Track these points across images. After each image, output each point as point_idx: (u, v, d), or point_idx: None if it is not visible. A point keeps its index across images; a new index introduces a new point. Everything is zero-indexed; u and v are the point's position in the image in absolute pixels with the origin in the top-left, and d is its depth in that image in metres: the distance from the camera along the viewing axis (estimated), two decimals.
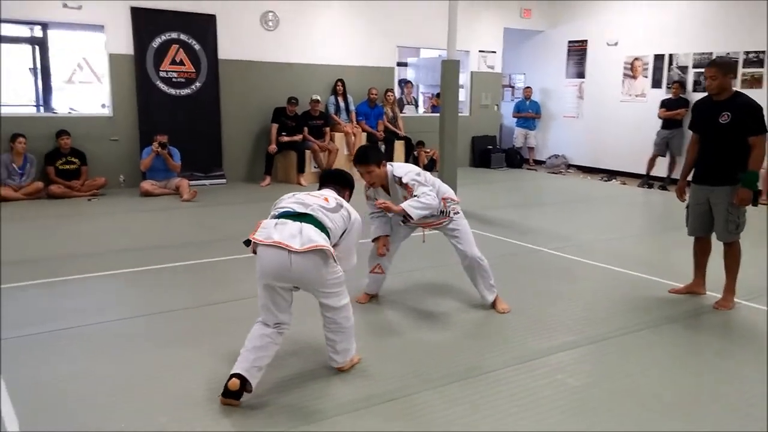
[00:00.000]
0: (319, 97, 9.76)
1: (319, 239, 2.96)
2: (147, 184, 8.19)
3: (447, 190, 4.26)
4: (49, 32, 9.07)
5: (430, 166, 11.26)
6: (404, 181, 3.93)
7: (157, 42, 8.69)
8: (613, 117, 11.50)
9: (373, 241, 4.25)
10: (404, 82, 12.40)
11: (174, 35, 8.81)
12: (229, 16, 9.19)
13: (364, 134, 10.36)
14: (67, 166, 8.03)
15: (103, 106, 8.95)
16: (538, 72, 12.97)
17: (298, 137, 9.57)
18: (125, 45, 8.49)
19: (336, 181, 3.51)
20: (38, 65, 9.10)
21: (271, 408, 2.93)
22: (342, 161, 10.04)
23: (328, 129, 9.91)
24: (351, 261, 3.30)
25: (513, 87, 13.71)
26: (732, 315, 4.30)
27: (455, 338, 3.84)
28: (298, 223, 3.00)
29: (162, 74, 8.77)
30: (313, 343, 3.57)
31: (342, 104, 10.31)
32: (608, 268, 5.36)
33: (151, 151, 8.23)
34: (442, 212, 4.16)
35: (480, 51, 12.11)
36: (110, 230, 6.53)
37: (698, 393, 3.20)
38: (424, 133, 11.10)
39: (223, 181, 9.39)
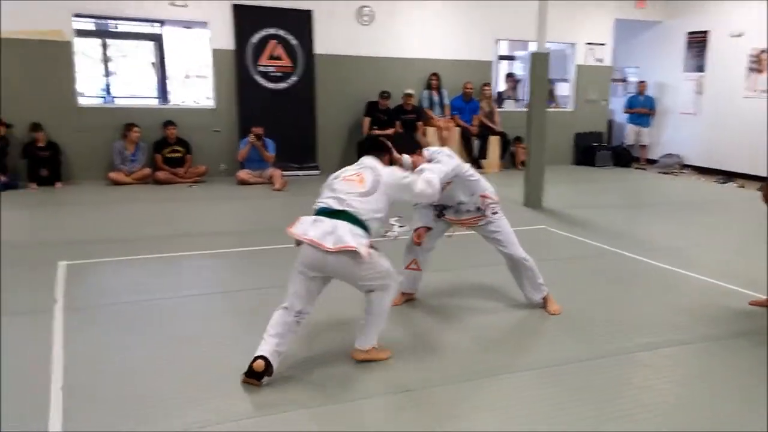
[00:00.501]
0: (412, 91, 9.79)
1: (349, 239, 2.99)
2: (243, 173, 8.64)
3: (486, 187, 4.06)
4: (166, 29, 9.85)
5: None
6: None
7: (256, 38, 9.12)
8: (736, 114, 10.56)
9: (415, 231, 4.06)
10: (508, 76, 12.15)
11: (272, 31, 9.20)
12: (325, 11, 9.45)
13: (458, 129, 10.27)
14: (173, 154, 8.65)
15: (208, 98, 9.54)
16: (653, 65, 12.18)
17: (389, 131, 9.65)
18: (227, 41, 8.98)
19: (372, 148, 3.46)
20: (158, 60, 9.91)
21: (292, 385, 3.05)
22: None
23: (420, 123, 9.93)
24: (424, 190, 3.29)
25: (625, 81, 12.98)
26: None
27: (480, 339, 3.72)
28: (333, 221, 3.05)
29: (260, 68, 9.19)
30: (338, 328, 3.64)
31: (436, 98, 10.28)
32: (691, 275, 4.95)
33: (247, 142, 8.66)
34: (478, 208, 3.98)
35: (587, 43, 11.57)
36: (207, 214, 6.97)
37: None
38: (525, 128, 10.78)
39: (317, 172, 9.68)
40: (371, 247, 3.17)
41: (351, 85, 9.80)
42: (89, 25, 10.42)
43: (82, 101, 8.69)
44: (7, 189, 7.56)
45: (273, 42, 9.23)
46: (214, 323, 3.85)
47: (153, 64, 10.36)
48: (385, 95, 9.61)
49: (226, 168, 9.17)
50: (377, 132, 9.60)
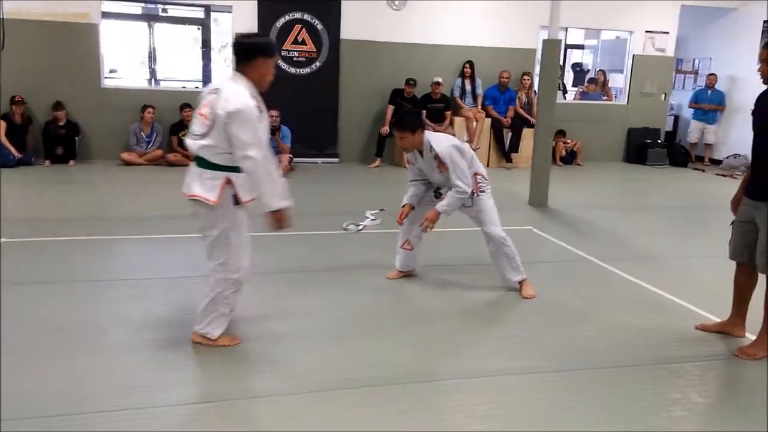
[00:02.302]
0: (440, 80, 9.37)
1: (196, 189, 2.97)
2: None
3: (479, 167, 4.11)
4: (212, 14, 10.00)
5: (569, 158, 10.29)
6: (441, 157, 3.87)
7: (280, 22, 9.03)
8: None
9: (402, 207, 4.19)
10: (574, 66, 11.48)
11: (298, 15, 9.08)
12: None
13: (488, 120, 9.75)
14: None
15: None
16: (725, 57, 11.04)
17: None
18: (249, 25, 8.96)
19: (244, 55, 3.00)
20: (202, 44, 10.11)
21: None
22: None
23: (448, 113, 9.50)
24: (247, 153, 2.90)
25: (696, 73, 11.84)
26: (752, 369, 3.24)
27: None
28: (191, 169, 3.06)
29: (284, 53, 9.10)
30: None
31: (468, 87, 9.80)
32: (654, 291, 4.37)
33: None
34: (473, 192, 3.99)
35: (647, 31, 10.64)
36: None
37: None
38: (569, 121, 10.13)
39: (336, 160, 9.51)
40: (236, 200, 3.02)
41: (378, 72, 9.52)
42: (137, 8, 10.80)
43: (107, 83, 8.95)
44: (20, 165, 7.91)
45: (298, 26, 9.11)
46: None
47: (200, 48, 10.50)
48: (410, 83, 9.26)
49: None
50: None
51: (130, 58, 11.11)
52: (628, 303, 4.15)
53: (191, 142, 2.99)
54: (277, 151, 8.72)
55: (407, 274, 4.40)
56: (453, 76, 9.76)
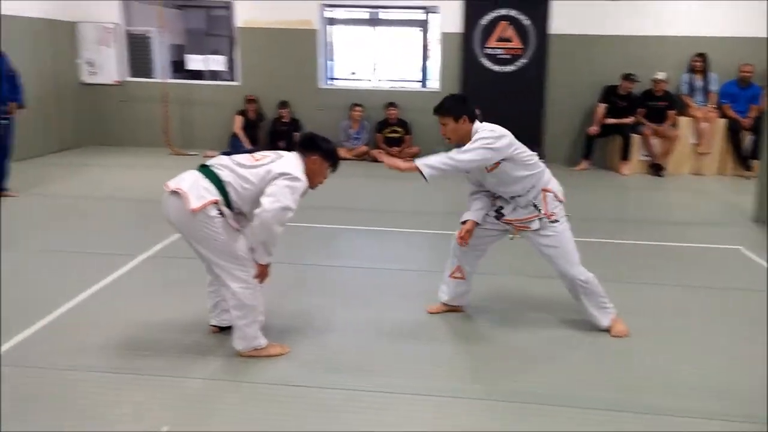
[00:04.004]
0: (664, 75, 8.38)
1: (184, 184, 2.90)
2: None
3: (551, 182, 3.40)
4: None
5: None
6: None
7: (485, 19, 8.86)
8: None
9: (462, 223, 3.51)
10: None
11: (503, 12, 8.82)
12: None
13: (723, 120, 8.45)
14: (392, 134, 9.05)
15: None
16: None
17: (628, 119, 8.48)
18: (456, 24, 8.96)
19: (301, 145, 3.17)
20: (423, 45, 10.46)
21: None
22: (685, 152, 8.49)
23: (671, 112, 8.46)
24: (263, 221, 2.88)
25: None
26: None
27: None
28: (192, 171, 3.02)
29: (487, 51, 8.93)
30: None
31: (699, 83, 8.59)
32: None
33: None
34: (534, 206, 3.35)
35: None
36: (397, 194, 7.07)
37: None
38: None
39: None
40: (237, 229, 3.00)
41: (589, 67, 8.84)
42: (364, 14, 11.49)
43: (321, 84, 9.63)
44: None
45: (504, 23, 8.85)
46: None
47: (422, 48, 10.83)
48: (631, 77, 8.42)
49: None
50: (612, 121, 8.54)
51: (354, 60, 11.85)
52: None
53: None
54: None
55: (454, 309, 3.74)
56: (679, 71, 8.65)
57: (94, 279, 4.05)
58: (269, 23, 9.19)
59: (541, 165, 3.42)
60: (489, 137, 3.22)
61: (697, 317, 3.78)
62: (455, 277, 3.63)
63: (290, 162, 3.01)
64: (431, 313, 3.72)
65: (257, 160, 3.01)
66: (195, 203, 2.84)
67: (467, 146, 3.25)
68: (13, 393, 2.71)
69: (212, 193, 2.89)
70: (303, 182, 2.96)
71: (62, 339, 3.26)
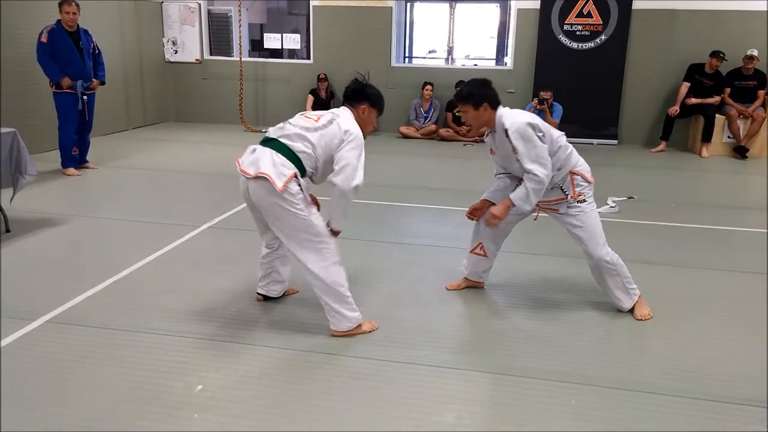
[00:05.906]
0: (755, 53, 7.85)
1: (264, 165, 2.86)
2: None
3: (579, 163, 3.33)
4: None
5: None
6: (509, 134, 3.14)
7: None
8: None
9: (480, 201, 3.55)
10: None
11: None
12: None
13: None
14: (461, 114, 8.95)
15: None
16: None
17: (713, 99, 8.01)
18: (532, 2, 8.72)
19: (352, 96, 3.14)
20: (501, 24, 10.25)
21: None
22: None
23: (761, 92, 7.92)
24: (346, 183, 2.91)
25: None
26: None
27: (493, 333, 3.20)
28: (263, 148, 2.96)
29: (566, 27, 8.64)
30: None
31: None
32: None
33: (531, 107, 8.37)
34: (561, 189, 3.31)
35: None
36: (469, 172, 7.07)
37: None
38: None
39: (614, 142, 8.73)
40: (315, 204, 3.06)
41: (673, 44, 8.40)
42: None
43: (394, 63, 9.61)
44: None
45: None
46: None
47: (503, 25, 10.62)
48: (720, 55, 7.94)
49: None
50: (695, 101, 8.09)
51: (433, 38, 11.75)
52: None
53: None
54: None
55: (473, 285, 3.73)
56: None
57: (156, 246, 4.29)
58: (344, 1, 9.26)
59: (570, 146, 3.33)
60: (531, 133, 3.12)
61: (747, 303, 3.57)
62: (476, 254, 3.65)
63: (347, 118, 3.05)
64: (449, 289, 3.73)
65: (317, 120, 3.03)
66: (279, 183, 2.83)
67: (526, 155, 3.12)
68: (70, 349, 2.93)
69: (288, 167, 2.89)
70: (361, 137, 3.00)
71: (119, 301, 3.48)
